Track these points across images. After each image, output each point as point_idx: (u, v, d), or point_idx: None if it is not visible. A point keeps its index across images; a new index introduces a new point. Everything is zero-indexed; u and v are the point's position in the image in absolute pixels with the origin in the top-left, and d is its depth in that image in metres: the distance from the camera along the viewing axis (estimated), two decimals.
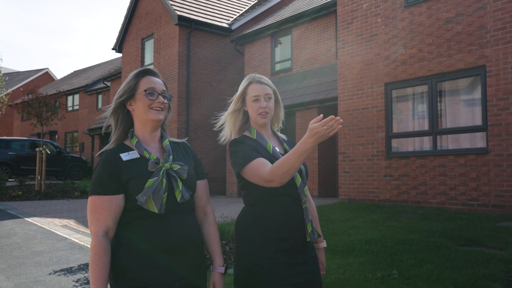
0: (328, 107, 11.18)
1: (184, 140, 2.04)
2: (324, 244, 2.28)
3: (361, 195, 9.03)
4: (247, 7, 17.92)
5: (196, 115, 15.07)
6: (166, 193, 1.75)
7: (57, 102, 14.42)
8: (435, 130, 8.08)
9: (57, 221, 9.08)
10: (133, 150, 1.82)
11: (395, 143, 8.74)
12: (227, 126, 2.22)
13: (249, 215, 2.05)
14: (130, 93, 1.85)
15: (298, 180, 2.08)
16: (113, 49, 18.26)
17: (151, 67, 13.48)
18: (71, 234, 7.81)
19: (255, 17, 16.37)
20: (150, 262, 1.72)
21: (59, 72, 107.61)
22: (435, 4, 8.05)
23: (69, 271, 5.49)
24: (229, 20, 16.29)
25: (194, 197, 1.94)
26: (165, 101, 1.88)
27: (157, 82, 1.89)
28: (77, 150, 26.05)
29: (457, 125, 7.92)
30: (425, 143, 8.26)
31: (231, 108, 2.20)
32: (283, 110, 2.27)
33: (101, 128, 20.67)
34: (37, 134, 25.97)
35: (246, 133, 2.21)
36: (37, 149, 13.52)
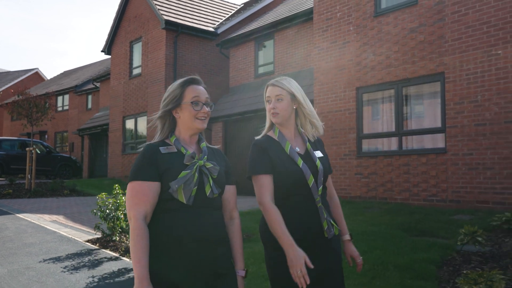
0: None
1: (218, 147, 2.17)
2: (347, 236, 2.34)
3: None
4: (232, 12, 18.49)
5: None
6: (196, 187, 1.88)
7: (47, 103, 14.85)
8: (400, 131, 8.71)
9: (46, 216, 9.56)
10: (170, 145, 1.96)
11: (365, 143, 9.36)
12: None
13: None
14: (177, 103, 1.98)
15: (311, 181, 2.17)
16: (102, 51, 18.71)
17: (139, 69, 14.02)
18: (60, 228, 8.31)
19: (240, 21, 16.93)
20: (178, 249, 1.82)
21: (56, 71, 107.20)
22: (401, 15, 8.68)
23: (57, 259, 6.01)
24: (215, 24, 16.83)
25: (223, 199, 2.05)
26: (209, 109, 2.01)
27: (201, 92, 2.00)
28: (67, 150, 26.41)
29: (420, 127, 8.55)
30: (392, 144, 8.88)
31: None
32: (311, 110, 2.33)
33: (91, 128, 21.09)
34: (27, 134, 26.27)
35: (271, 133, 2.32)
36: (27, 148, 13.94)
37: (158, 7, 15.71)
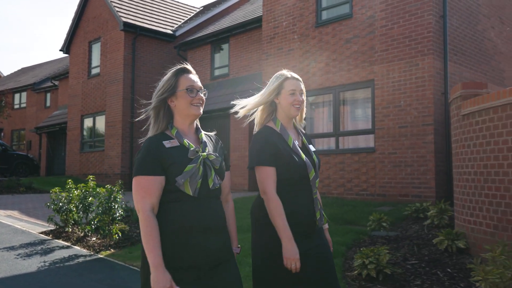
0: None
1: (213, 133, 2.24)
2: (326, 225, 2.53)
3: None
4: (191, 15, 19.03)
5: (141, 115, 15.97)
6: (200, 179, 1.96)
7: (3, 101, 14.92)
8: (337, 132, 9.57)
9: (1, 212, 9.85)
10: (173, 139, 2.01)
11: None
12: (256, 115, 2.45)
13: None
14: (172, 91, 2.03)
15: (312, 174, 2.32)
16: (61, 50, 18.81)
17: (98, 69, 14.40)
18: (15, 222, 8.67)
19: (198, 24, 17.50)
20: (187, 237, 1.90)
21: (14, 67, 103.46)
22: (338, 26, 9.54)
23: (11, 248, 6.46)
24: (173, 26, 17.33)
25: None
26: (204, 96, 2.08)
27: (195, 79, 2.07)
28: (24, 148, 26.12)
29: (355, 128, 9.45)
30: (331, 143, 9.74)
31: (263, 98, 2.39)
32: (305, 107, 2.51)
33: (49, 126, 21.08)
34: None
35: (271, 124, 2.39)
36: None
37: (117, 9, 16.07)
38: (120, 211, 6.80)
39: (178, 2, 19.76)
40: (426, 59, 8.12)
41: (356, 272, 4.50)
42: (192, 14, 19.12)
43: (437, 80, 8.14)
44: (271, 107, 2.41)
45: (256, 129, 2.43)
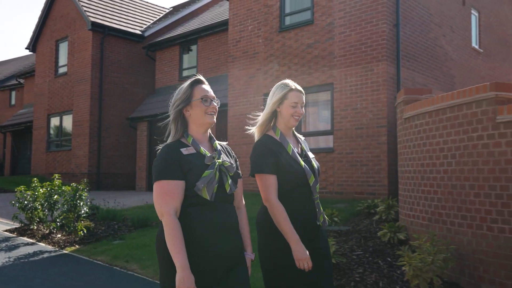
0: (223, 111, 12.81)
1: (225, 143, 2.34)
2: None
3: (245, 187, 10.76)
4: (160, 16, 19.15)
5: (108, 115, 16.04)
6: (217, 185, 2.05)
7: None
8: (299, 133, 9.99)
9: None
10: (189, 146, 2.11)
11: None
12: (260, 126, 2.56)
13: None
14: (187, 101, 2.15)
15: (312, 180, 2.44)
16: (26, 48, 18.59)
17: (65, 68, 14.36)
18: None
19: (167, 25, 17.65)
20: (204, 241, 1.98)
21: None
22: (300, 32, 9.98)
23: None
24: (142, 27, 17.43)
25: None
26: (216, 105, 2.20)
27: (208, 90, 2.20)
28: None
29: (316, 129, 9.90)
30: None
31: (270, 109, 2.52)
32: None
33: (14, 125, 20.75)
34: None
35: (271, 133, 2.52)
36: None
37: (85, 8, 16.06)
38: (85, 209, 6.99)
39: (147, 2, 19.85)
40: (380, 64, 8.64)
41: None
42: (162, 15, 19.25)
43: (390, 84, 8.67)
44: (271, 116, 2.53)
45: (257, 137, 2.55)
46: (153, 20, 18.49)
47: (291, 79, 9.05)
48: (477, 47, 12.20)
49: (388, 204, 6.55)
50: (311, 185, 2.43)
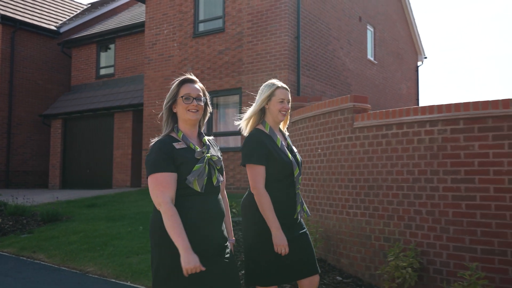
0: (140, 111, 13.15)
1: (212, 138, 2.48)
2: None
3: None
4: (77, 12, 18.85)
5: (20, 111, 15.59)
6: (206, 177, 2.22)
7: None
8: (210, 133, 10.70)
9: None
10: (180, 141, 2.26)
11: None
12: (247, 120, 2.78)
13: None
14: (174, 99, 2.32)
15: (296, 171, 2.66)
16: None
17: None
18: None
19: (84, 22, 17.47)
20: (196, 228, 2.15)
21: None
22: (212, 38, 10.68)
23: None
24: (58, 23, 17.09)
25: None
26: (200, 103, 2.31)
27: (193, 89, 2.33)
28: None
29: (226, 129, 10.66)
30: None
31: (258, 106, 2.75)
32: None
33: None
34: None
35: (260, 127, 2.72)
36: None
37: None
38: None
39: None
40: (282, 72, 9.60)
41: None
42: (79, 11, 18.95)
43: (291, 91, 9.65)
44: (260, 112, 2.76)
45: (246, 131, 2.79)
46: (69, 16, 18.18)
47: (204, 83, 9.96)
48: (372, 59, 13.72)
49: None
50: (295, 175, 2.67)
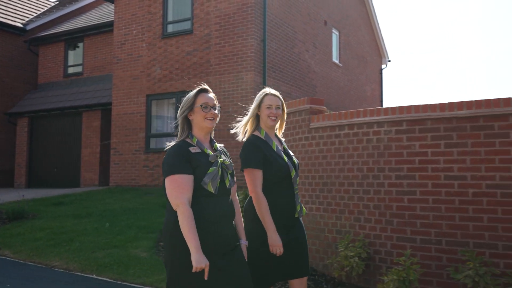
0: (109, 110, 13.19)
1: (222, 145, 2.63)
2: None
3: (126, 182, 11.36)
4: (44, 9, 18.62)
5: None
6: (219, 180, 2.37)
7: None
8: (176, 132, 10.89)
9: None
10: (195, 146, 2.41)
11: (152, 141, 11.31)
12: (243, 126, 2.93)
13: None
14: (190, 107, 2.47)
15: (293, 173, 2.82)
16: None
17: None
18: None
19: (52, 20, 17.27)
20: (210, 227, 2.31)
21: None
22: (181, 40, 10.88)
23: None
24: (24, 20, 16.86)
25: None
26: (216, 112, 2.48)
27: (209, 98, 2.50)
28: None
29: None
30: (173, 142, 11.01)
31: (251, 113, 2.92)
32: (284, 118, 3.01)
33: None
34: None
35: (256, 133, 2.87)
36: None
37: None
38: None
39: None
40: (249, 74, 9.90)
41: None
42: (46, 9, 18.72)
43: (257, 92, 9.94)
44: (256, 119, 2.92)
45: (243, 137, 2.94)
46: (36, 13, 17.94)
47: (172, 83, 10.27)
48: (337, 61, 14.20)
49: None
50: (292, 177, 2.82)
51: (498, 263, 3.91)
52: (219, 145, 2.56)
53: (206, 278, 2.21)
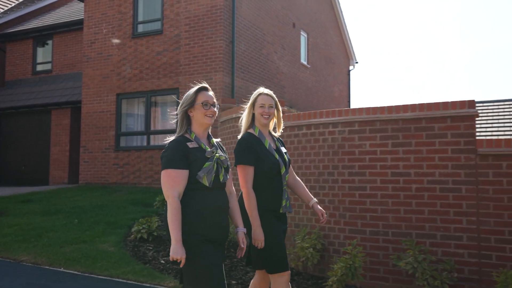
0: (79, 108, 13.18)
1: (219, 139, 2.77)
2: (315, 200, 3.22)
3: (96, 180, 11.43)
4: (12, 5, 18.33)
5: None
6: (214, 174, 2.51)
7: None
8: (149, 131, 11.05)
9: None
10: (193, 141, 2.54)
11: (122, 140, 11.42)
12: (242, 124, 3.11)
13: None
14: (191, 104, 2.58)
15: (283, 170, 2.99)
16: None
17: None
18: None
19: (20, 16, 16.99)
20: (206, 217, 2.46)
21: None
22: (151, 40, 11.03)
23: None
24: None
25: None
26: (215, 109, 2.61)
27: (209, 96, 2.62)
28: None
29: (164, 128, 11.04)
30: (143, 140, 11.16)
31: (247, 111, 3.08)
32: (281, 117, 3.16)
33: None
34: None
35: (251, 131, 3.04)
36: None
37: None
38: None
39: None
40: (218, 74, 10.15)
41: (133, 236, 6.03)
42: (14, 5, 18.43)
43: (226, 92, 10.24)
44: (251, 118, 3.08)
45: (241, 133, 3.12)
46: (3, 9, 17.65)
47: (142, 82, 10.44)
48: (305, 63, 14.61)
49: None
50: (282, 174, 2.99)
51: (437, 251, 4.32)
52: (215, 140, 2.69)
53: (181, 267, 2.36)
